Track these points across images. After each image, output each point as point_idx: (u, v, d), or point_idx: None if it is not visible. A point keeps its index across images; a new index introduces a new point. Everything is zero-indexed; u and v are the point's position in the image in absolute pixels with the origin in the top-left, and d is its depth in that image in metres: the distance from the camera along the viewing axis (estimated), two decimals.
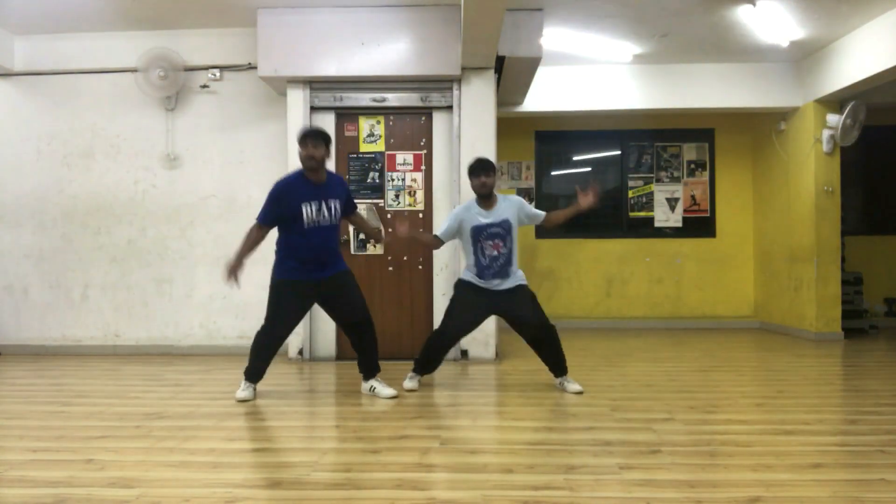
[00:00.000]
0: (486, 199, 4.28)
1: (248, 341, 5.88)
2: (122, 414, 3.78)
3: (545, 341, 4.29)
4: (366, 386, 4.30)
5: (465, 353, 5.57)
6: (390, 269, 5.67)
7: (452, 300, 4.36)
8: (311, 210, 3.98)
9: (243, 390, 4.16)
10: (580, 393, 4.21)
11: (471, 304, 4.27)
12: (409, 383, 4.39)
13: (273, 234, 4.16)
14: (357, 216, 4.46)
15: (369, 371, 4.31)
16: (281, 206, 3.99)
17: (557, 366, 4.36)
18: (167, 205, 6.06)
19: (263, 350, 4.20)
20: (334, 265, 4.16)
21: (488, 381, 4.84)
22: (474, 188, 4.29)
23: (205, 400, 4.16)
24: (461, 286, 4.36)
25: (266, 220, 4.05)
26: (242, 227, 5.90)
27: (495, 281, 4.24)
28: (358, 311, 4.21)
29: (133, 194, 6.08)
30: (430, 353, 4.39)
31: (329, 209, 4.04)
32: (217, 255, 6.01)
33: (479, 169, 4.26)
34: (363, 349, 4.28)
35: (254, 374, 4.21)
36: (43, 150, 6.14)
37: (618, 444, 3.11)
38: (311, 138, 3.95)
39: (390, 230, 5.61)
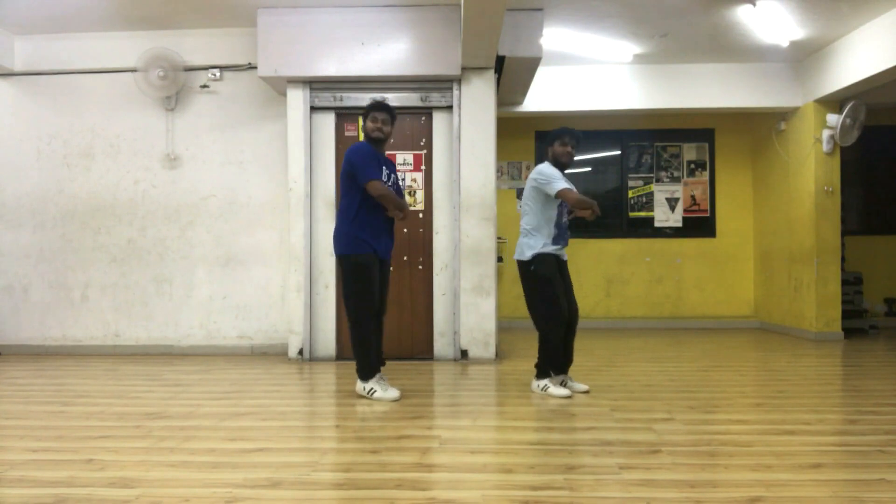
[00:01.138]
0: (565, 167, 4.30)
1: (248, 341, 5.97)
2: (122, 414, 3.78)
3: (571, 327, 4.30)
4: (363, 386, 4.25)
5: (465, 353, 5.57)
6: (390, 268, 5.65)
7: (547, 282, 4.16)
8: (384, 174, 4.10)
9: (381, 387, 4.06)
10: (587, 392, 4.22)
11: (559, 277, 4.23)
12: (562, 389, 4.19)
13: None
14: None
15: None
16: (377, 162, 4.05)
17: (568, 358, 4.36)
18: (167, 205, 6.06)
19: (367, 336, 4.05)
20: (389, 250, 4.22)
21: (488, 381, 4.84)
22: (559, 155, 4.26)
23: (205, 400, 4.16)
24: (546, 261, 4.19)
25: (377, 173, 4.01)
26: (243, 227, 5.97)
27: (563, 248, 4.31)
28: (384, 304, 4.24)
29: (133, 194, 6.08)
30: (558, 346, 4.22)
31: (393, 179, 4.17)
32: (217, 255, 6.02)
33: (570, 137, 4.28)
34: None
35: (372, 366, 4.09)
36: (43, 150, 6.14)
37: (618, 444, 3.11)
38: (380, 111, 4.12)
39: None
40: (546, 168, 4.25)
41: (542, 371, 4.27)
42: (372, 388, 4.08)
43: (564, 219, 4.32)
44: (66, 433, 3.38)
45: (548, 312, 4.18)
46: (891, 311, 7.96)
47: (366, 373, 4.11)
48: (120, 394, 4.40)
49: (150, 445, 3.14)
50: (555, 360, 4.26)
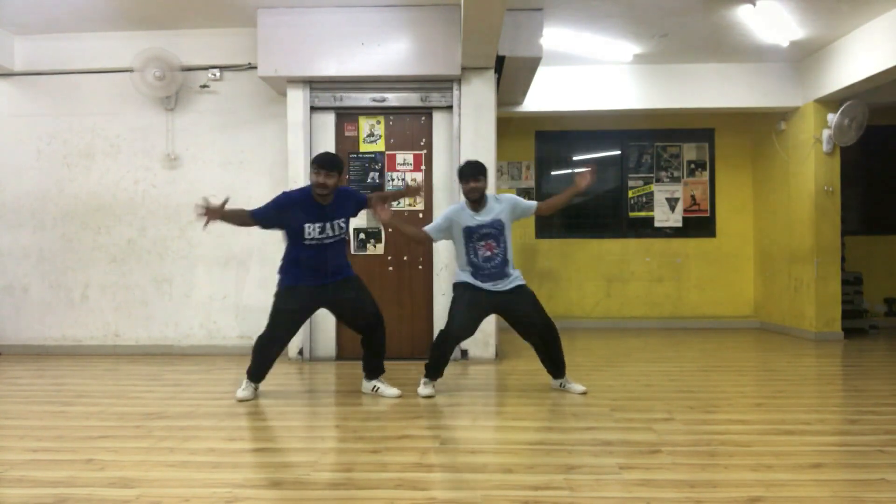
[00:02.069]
0: (476, 202, 4.24)
1: (249, 341, 5.90)
2: (122, 414, 3.78)
3: (550, 342, 4.26)
4: (368, 385, 4.30)
5: (465, 353, 5.57)
6: (390, 268, 5.66)
7: (453, 301, 4.27)
8: (314, 230, 4.02)
9: (244, 389, 4.18)
10: (584, 393, 4.21)
11: (471, 303, 4.19)
12: (425, 389, 4.23)
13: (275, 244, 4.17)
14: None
15: (373, 371, 4.30)
16: (282, 218, 4.05)
17: (558, 367, 4.34)
18: (167, 205, 6.06)
19: (263, 354, 4.19)
20: (340, 273, 4.16)
21: (488, 381, 4.84)
22: (465, 193, 4.25)
23: (205, 400, 4.17)
24: (459, 287, 4.28)
25: (260, 219, 4.05)
26: (242, 228, 5.95)
27: (490, 283, 4.18)
28: (367, 315, 4.20)
29: (133, 194, 6.08)
30: (437, 355, 4.26)
31: (334, 228, 4.07)
32: (217, 255, 6.02)
33: (469, 174, 4.20)
34: (371, 348, 4.26)
35: (255, 375, 4.22)
36: (43, 150, 6.14)
37: (618, 444, 3.11)
38: (326, 168, 3.96)
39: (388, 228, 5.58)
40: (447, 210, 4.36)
41: (427, 372, 4.28)
42: (243, 390, 4.17)
43: (479, 256, 4.19)
44: (66, 433, 3.39)
45: (446, 325, 4.22)
46: (891, 311, 7.96)
47: (250, 375, 4.21)
48: (120, 394, 4.41)
49: (150, 445, 3.14)
50: (433, 367, 4.26)
